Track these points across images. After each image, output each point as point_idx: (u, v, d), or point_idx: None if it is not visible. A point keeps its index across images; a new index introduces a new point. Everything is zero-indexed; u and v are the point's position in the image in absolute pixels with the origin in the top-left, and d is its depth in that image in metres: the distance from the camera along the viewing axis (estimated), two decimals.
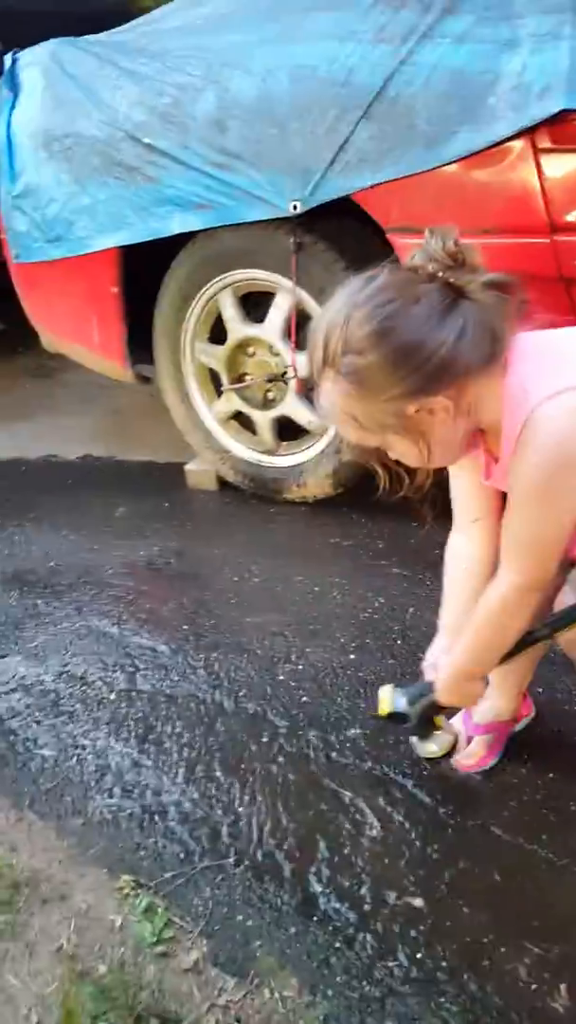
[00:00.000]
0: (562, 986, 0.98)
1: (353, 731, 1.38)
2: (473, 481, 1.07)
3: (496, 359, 0.90)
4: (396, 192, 1.62)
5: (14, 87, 2.10)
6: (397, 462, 1.01)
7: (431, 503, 1.09)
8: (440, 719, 1.26)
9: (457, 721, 1.33)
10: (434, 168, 1.56)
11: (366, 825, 1.21)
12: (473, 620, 1.06)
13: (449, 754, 1.29)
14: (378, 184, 1.63)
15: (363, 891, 1.12)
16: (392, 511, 2.02)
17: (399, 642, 1.60)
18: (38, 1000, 1.02)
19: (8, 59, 2.14)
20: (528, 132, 1.45)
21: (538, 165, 1.48)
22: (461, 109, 1.52)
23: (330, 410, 0.95)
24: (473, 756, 1.28)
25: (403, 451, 0.96)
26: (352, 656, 1.57)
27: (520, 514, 0.95)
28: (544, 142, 1.46)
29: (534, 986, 0.98)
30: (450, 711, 1.26)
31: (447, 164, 1.55)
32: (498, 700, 1.30)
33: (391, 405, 0.90)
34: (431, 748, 1.29)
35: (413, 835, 1.19)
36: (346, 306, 0.90)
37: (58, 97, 2.01)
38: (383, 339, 0.87)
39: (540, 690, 1.40)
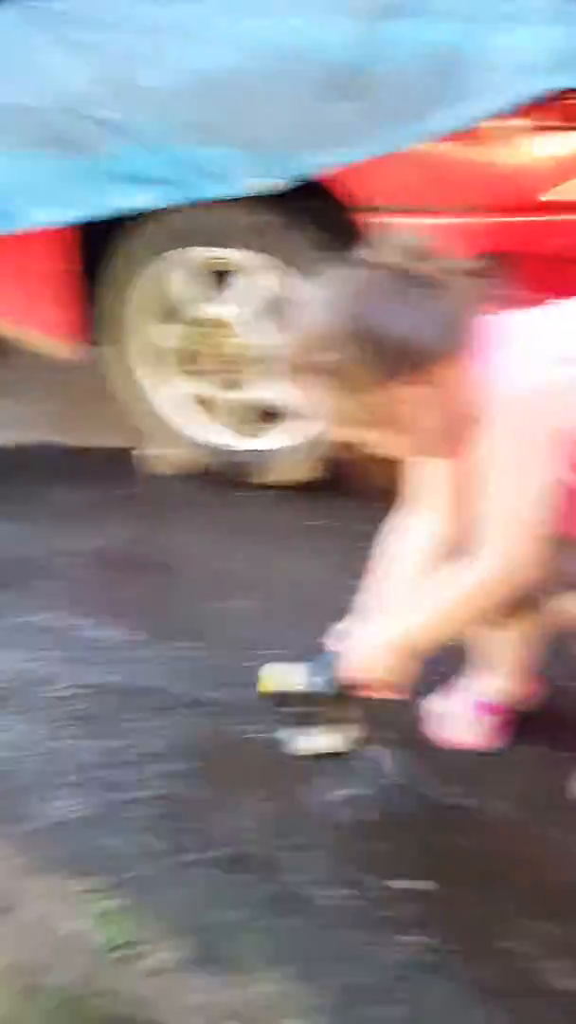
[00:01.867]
0: (559, 965, 0.92)
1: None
2: (435, 466, 1.06)
3: (464, 345, 0.91)
4: (373, 170, 1.58)
5: None
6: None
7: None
8: (347, 709, 1.07)
9: (464, 702, 1.26)
10: (411, 146, 1.53)
11: (347, 809, 1.12)
12: (431, 594, 1.00)
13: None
14: (349, 163, 1.59)
15: (350, 874, 1.03)
16: (365, 493, 1.97)
17: None
18: None
19: None
20: (514, 110, 1.43)
21: (522, 143, 1.46)
22: (443, 85, 1.49)
23: (315, 408, 0.96)
24: (479, 735, 1.22)
25: (392, 442, 0.96)
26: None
27: (495, 489, 0.93)
28: (530, 120, 1.44)
29: (536, 965, 0.92)
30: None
31: (424, 143, 1.52)
32: (496, 678, 1.25)
33: (374, 397, 0.90)
34: (307, 743, 1.09)
35: (410, 818, 1.11)
36: (319, 302, 0.92)
37: None
38: (358, 333, 0.88)
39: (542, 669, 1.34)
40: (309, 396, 0.94)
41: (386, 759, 1.18)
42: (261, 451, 1.99)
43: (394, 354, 0.87)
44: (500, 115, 1.44)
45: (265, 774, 1.18)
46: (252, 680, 1.35)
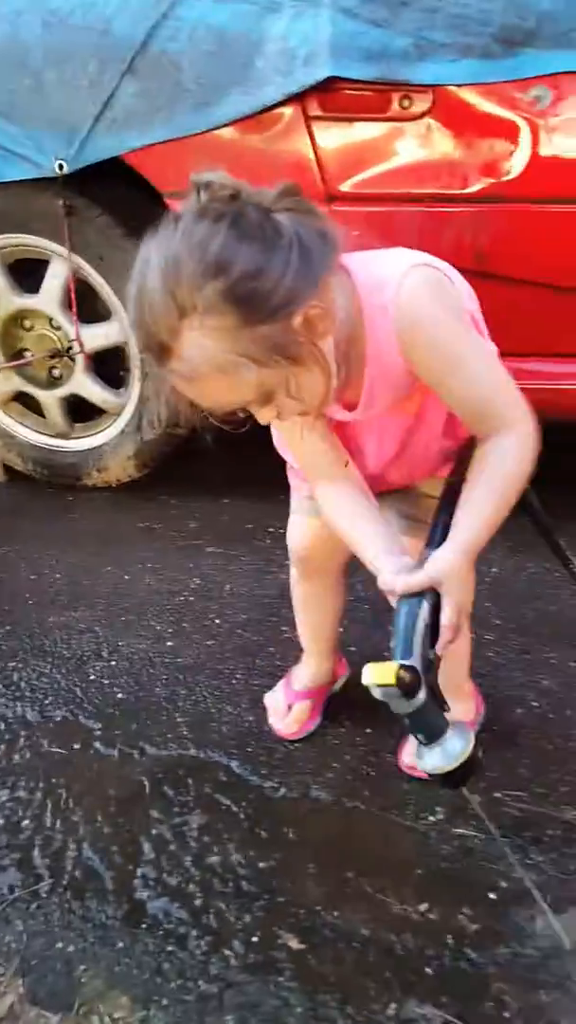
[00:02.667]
0: (396, 943, 0.98)
1: (175, 718, 1.32)
2: (322, 431, 1.00)
3: (337, 255, 0.85)
4: (172, 154, 1.54)
5: None
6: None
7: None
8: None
9: (278, 692, 1.31)
10: (207, 131, 1.51)
11: (191, 816, 1.15)
12: (492, 481, 0.88)
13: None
14: (149, 145, 1.55)
15: (191, 887, 1.06)
16: (201, 487, 1.99)
17: (217, 621, 1.55)
18: None
19: None
20: (299, 98, 1.44)
21: (311, 133, 1.47)
22: (229, 70, 1.47)
23: (212, 361, 0.81)
24: (295, 723, 1.27)
25: (308, 382, 0.85)
26: (169, 643, 1.50)
27: (466, 375, 0.89)
28: (315, 110, 1.46)
29: (372, 947, 0.98)
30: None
31: (219, 127, 1.50)
32: (314, 664, 1.30)
33: (273, 325, 0.80)
34: (437, 759, 0.85)
35: (241, 816, 1.15)
36: (168, 253, 0.79)
37: None
38: (231, 260, 0.77)
39: (353, 648, 1.41)
40: (216, 350, 0.80)
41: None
42: (88, 450, 1.95)
43: (281, 277, 0.79)
44: (288, 102, 1.43)
45: (117, 789, 1.20)
46: (94, 695, 1.37)
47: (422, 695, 0.81)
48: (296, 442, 1.01)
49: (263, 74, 1.43)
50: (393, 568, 0.89)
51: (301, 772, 1.21)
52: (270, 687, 1.34)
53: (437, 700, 0.84)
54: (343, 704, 1.32)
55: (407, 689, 0.79)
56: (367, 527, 0.97)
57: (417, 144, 1.42)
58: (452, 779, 0.86)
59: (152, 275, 0.80)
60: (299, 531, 1.18)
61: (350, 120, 1.43)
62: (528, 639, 1.44)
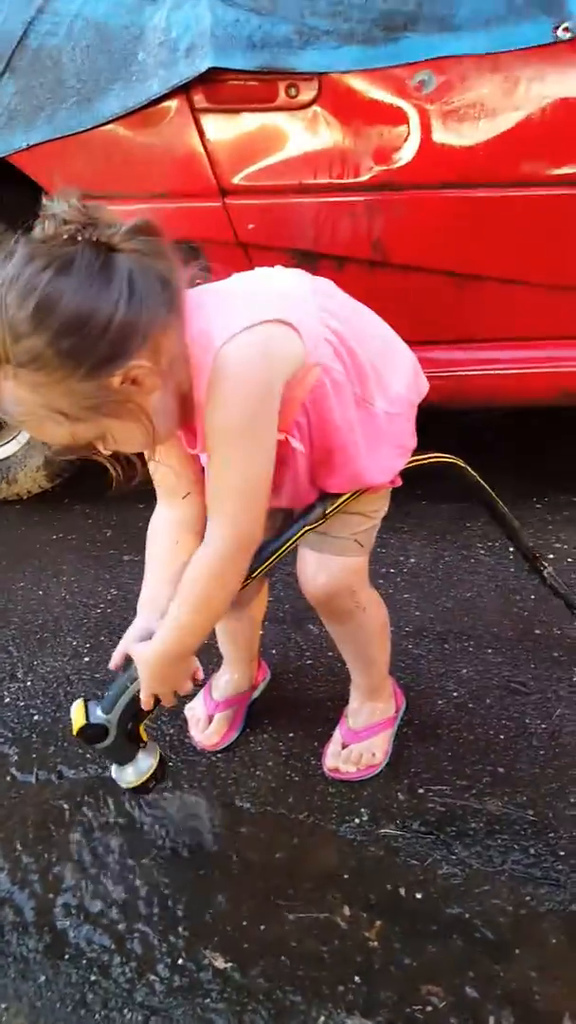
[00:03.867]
0: (325, 952, 0.97)
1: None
2: (178, 455, 1.00)
3: (174, 307, 0.83)
4: (58, 154, 1.48)
5: None
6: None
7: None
8: (143, 730, 1.03)
9: (198, 703, 1.28)
10: (92, 128, 1.45)
11: (112, 838, 1.12)
12: (185, 589, 0.93)
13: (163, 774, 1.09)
14: (34, 145, 1.48)
15: (114, 912, 1.03)
16: (114, 498, 1.93)
17: None
18: None
19: None
20: (184, 91, 1.40)
21: (199, 126, 1.43)
22: (110, 65, 1.41)
23: (25, 411, 0.81)
24: (216, 734, 1.24)
25: (126, 436, 0.85)
26: (87, 659, 1.46)
27: (223, 458, 0.88)
28: (201, 102, 1.42)
29: (299, 958, 0.96)
30: (153, 715, 1.03)
31: (103, 124, 1.44)
32: (234, 672, 1.27)
33: (90, 383, 0.79)
34: (128, 775, 1.03)
35: (163, 833, 1.12)
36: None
37: None
38: (51, 313, 0.75)
39: (273, 651, 1.39)
40: (28, 401, 0.79)
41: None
42: None
43: (109, 327, 0.76)
44: (174, 95, 1.39)
45: (36, 815, 1.15)
46: (10, 719, 1.32)
47: (109, 740, 1.00)
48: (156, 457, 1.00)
49: (145, 67, 1.38)
50: (137, 629, 1.01)
51: (224, 783, 1.18)
52: (191, 698, 1.31)
53: (132, 741, 1.02)
54: (265, 709, 1.30)
55: (88, 739, 1.00)
56: (155, 569, 1.04)
57: (307, 133, 1.40)
58: (142, 789, 1.05)
59: None
60: None
61: (237, 111, 1.39)
62: (446, 627, 1.44)
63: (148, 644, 0.97)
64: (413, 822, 1.10)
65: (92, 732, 0.99)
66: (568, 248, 1.46)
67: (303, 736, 1.24)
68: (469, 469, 1.13)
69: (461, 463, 1.12)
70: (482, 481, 1.15)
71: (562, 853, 1.05)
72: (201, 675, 1.02)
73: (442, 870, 1.04)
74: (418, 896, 1.02)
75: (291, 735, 1.25)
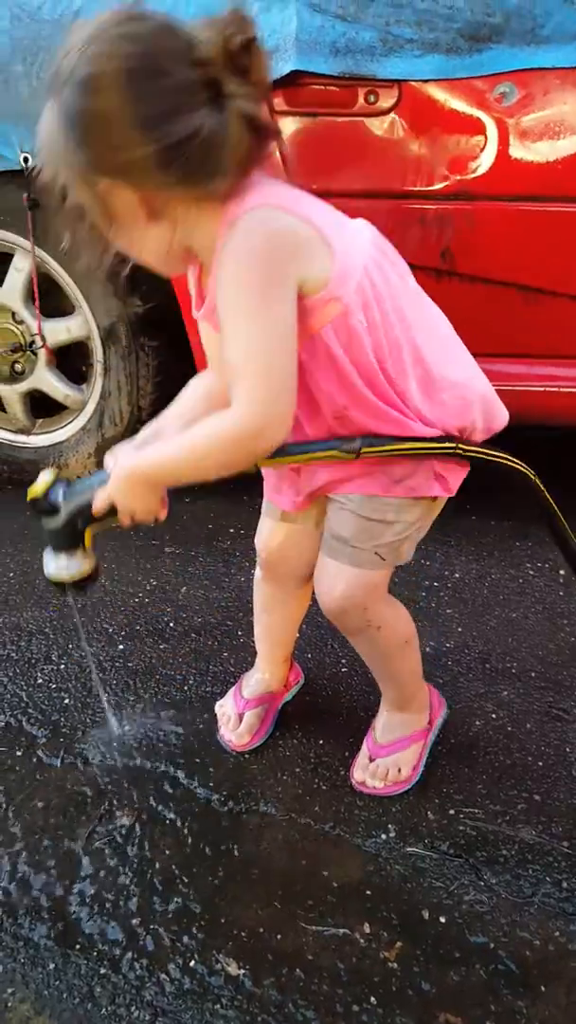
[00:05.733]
0: (341, 969, 0.94)
1: (123, 727, 1.27)
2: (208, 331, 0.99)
3: (222, 181, 0.79)
4: None
5: None
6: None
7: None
8: (89, 537, 1.01)
9: (228, 700, 1.26)
10: None
11: (134, 830, 1.10)
12: (191, 433, 0.89)
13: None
14: None
15: (129, 906, 1.01)
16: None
17: (171, 625, 1.50)
18: None
19: None
20: None
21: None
22: None
23: (43, 146, 0.80)
24: (247, 733, 1.22)
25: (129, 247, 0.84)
26: (121, 646, 1.45)
27: (227, 333, 0.83)
28: (281, 105, 1.42)
29: (315, 972, 0.93)
30: (106, 528, 1.00)
31: None
32: (264, 671, 1.25)
33: (105, 175, 0.77)
34: (57, 567, 1.01)
35: (185, 831, 1.10)
36: (99, 30, 0.75)
37: None
38: (124, 84, 0.73)
39: (308, 655, 1.37)
40: (48, 139, 0.79)
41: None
42: (49, 447, 1.90)
43: (146, 142, 0.74)
44: None
45: (59, 801, 1.14)
46: (41, 701, 1.30)
47: (55, 522, 0.99)
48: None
49: None
50: (139, 439, 0.99)
51: (250, 785, 1.16)
52: (223, 694, 1.30)
53: (74, 537, 1.00)
54: (295, 714, 1.27)
55: (36, 510, 1.00)
56: (176, 407, 1.02)
57: (383, 140, 1.39)
58: (66, 587, 1.03)
59: (74, 34, 0.76)
60: (266, 534, 1.15)
61: (316, 115, 1.39)
62: (489, 647, 1.40)
63: (131, 456, 0.94)
64: (442, 843, 1.07)
65: (43, 507, 0.98)
66: None
67: (333, 744, 1.21)
68: (540, 484, 1.05)
69: (533, 475, 1.04)
70: (550, 499, 1.07)
71: None
72: (164, 516, 0.97)
73: (469, 895, 1.00)
74: (442, 920, 0.98)
75: (321, 742, 1.22)
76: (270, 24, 1.37)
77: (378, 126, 1.39)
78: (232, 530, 1.75)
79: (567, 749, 1.19)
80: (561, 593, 1.51)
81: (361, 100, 1.38)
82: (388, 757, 1.16)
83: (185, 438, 0.90)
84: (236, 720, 1.23)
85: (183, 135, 0.75)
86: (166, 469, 0.92)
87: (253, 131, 0.78)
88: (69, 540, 0.99)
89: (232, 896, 1.02)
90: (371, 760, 1.16)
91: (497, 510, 1.72)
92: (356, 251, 0.87)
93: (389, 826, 1.09)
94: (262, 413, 0.83)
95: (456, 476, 0.99)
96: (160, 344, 1.74)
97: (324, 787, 1.15)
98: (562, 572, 1.54)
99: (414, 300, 0.94)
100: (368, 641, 1.10)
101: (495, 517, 1.72)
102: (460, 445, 0.95)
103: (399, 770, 1.15)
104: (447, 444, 0.94)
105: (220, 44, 0.75)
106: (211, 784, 1.16)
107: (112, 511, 0.96)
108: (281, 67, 1.36)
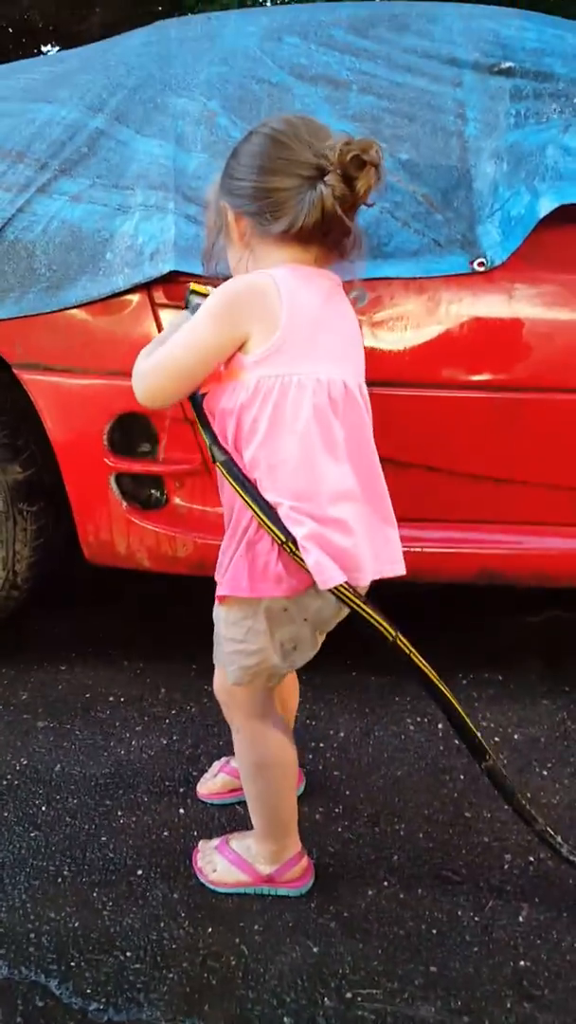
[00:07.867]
0: None
1: None
2: None
3: (279, 230, 1.02)
4: (23, 329, 1.59)
5: None
6: None
7: None
8: None
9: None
10: (56, 311, 1.58)
11: None
12: (149, 355, 1.12)
13: None
14: (1, 321, 1.59)
15: None
16: (36, 655, 1.86)
17: (44, 808, 1.39)
18: None
19: None
20: (146, 288, 1.55)
21: (156, 317, 1.58)
22: (80, 260, 1.57)
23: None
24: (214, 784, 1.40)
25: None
26: None
27: (188, 325, 1.05)
28: (160, 298, 1.57)
29: None
30: None
31: (67, 308, 1.57)
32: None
33: (224, 196, 1.08)
34: None
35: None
36: (275, 116, 1.07)
37: None
38: (265, 142, 1.03)
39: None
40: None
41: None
42: None
43: (254, 186, 1.03)
44: (136, 290, 1.54)
45: None
46: None
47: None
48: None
49: (112, 265, 1.54)
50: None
51: (132, 988, 1.05)
52: (100, 884, 1.20)
53: None
54: (181, 902, 1.19)
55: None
56: None
57: None
58: None
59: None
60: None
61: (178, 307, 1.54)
62: (376, 809, 1.39)
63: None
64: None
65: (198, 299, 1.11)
66: (480, 444, 1.61)
67: (223, 932, 1.13)
68: (411, 650, 1.06)
69: (403, 641, 1.05)
70: (426, 666, 1.08)
71: None
72: None
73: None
74: None
75: (209, 929, 1.13)
76: (150, 231, 1.54)
77: None
78: (112, 698, 1.68)
79: (459, 913, 1.17)
80: (441, 747, 1.54)
81: None
82: (224, 859, 1.22)
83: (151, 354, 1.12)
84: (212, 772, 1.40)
85: (275, 186, 1.02)
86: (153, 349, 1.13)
87: (324, 214, 1.01)
88: None
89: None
90: (217, 846, 1.24)
91: (375, 665, 1.77)
92: (308, 365, 1.01)
93: (286, 1019, 1.01)
94: (143, 388, 1.09)
95: (277, 585, 1.01)
96: (39, 508, 1.75)
97: (214, 981, 1.06)
98: (440, 726, 1.58)
99: (328, 450, 1.02)
100: (236, 741, 1.18)
101: (374, 672, 1.77)
102: (290, 544, 0.98)
103: (214, 870, 1.21)
104: (282, 537, 0.98)
105: (341, 150, 0.99)
106: (87, 991, 1.05)
107: None
108: (161, 267, 1.52)
